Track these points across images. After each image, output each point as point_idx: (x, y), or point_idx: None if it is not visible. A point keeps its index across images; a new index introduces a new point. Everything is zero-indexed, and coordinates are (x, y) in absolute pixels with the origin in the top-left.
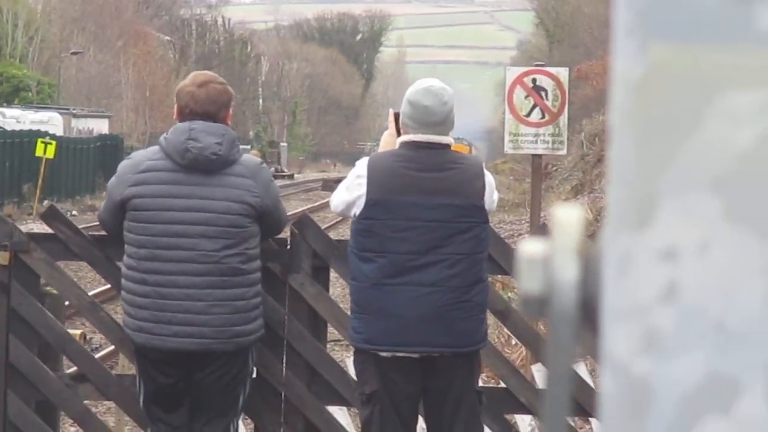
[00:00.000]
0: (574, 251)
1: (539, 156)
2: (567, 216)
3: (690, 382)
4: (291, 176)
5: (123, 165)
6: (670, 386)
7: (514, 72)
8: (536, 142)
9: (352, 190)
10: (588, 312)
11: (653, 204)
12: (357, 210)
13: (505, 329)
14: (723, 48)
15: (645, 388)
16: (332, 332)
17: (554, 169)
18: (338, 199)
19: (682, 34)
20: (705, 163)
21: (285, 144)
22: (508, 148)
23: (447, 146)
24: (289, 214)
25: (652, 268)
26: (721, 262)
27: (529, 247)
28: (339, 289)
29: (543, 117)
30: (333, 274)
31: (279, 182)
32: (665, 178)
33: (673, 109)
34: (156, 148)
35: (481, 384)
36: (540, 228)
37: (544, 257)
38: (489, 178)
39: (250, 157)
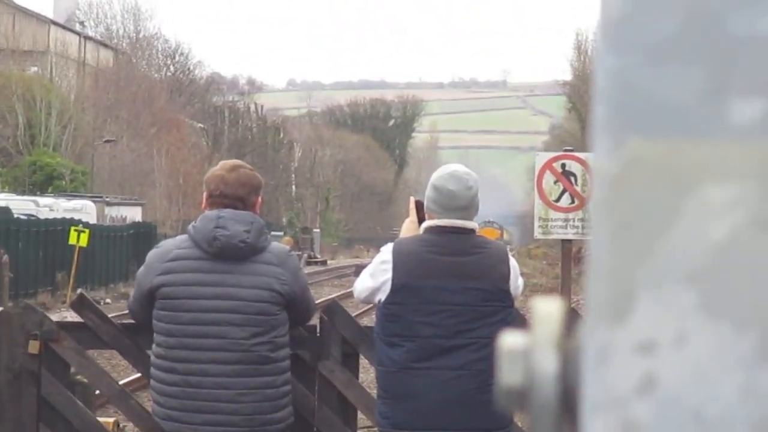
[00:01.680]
0: (554, 344)
1: (569, 241)
2: (547, 309)
3: None
4: (324, 262)
5: (152, 254)
6: None
7: (543, 157)
8: (566, 227)
9: (376, 276)
10: (568, 404)
11: (630, 297)
12: (382, 296)
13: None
14: (698, 142)
15: None
16: (362, 419)
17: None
18: (362, 285)
19: (657, 128)
20: (681, 256)
21: (318, 230)
22: (537, 233)
23: (472, 231)
24: (321, 300)
25: (630, 361)
26: (698, 353)
27: (509, 339)
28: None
29: (572, 202)
30: (362, 361)
31: (312, 268)
32: (642, 271)
33: (649, 203)
34: (185, 236)
35: None
36: (570, 313)
37: (524, 349)
38: (514, 263)
39: (278, 244)
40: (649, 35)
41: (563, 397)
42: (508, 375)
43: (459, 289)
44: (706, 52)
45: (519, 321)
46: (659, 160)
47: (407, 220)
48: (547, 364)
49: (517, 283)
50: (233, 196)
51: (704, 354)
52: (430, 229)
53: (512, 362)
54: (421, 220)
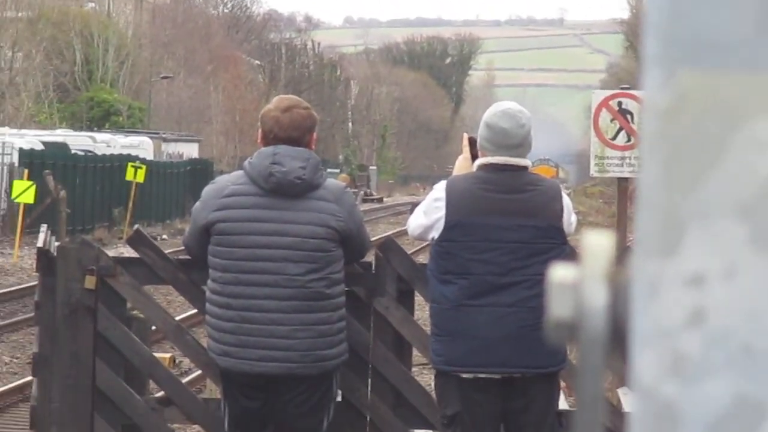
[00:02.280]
0: (603, 277)
1: (626, 179)
2: (597, 243)
3: (717, 406)
4: (380, 200)
5: (207, 190)
6: (698, 410)
7: (599, 95)
8: (622, 165)
9: (430, 213)
10: (617, 337)
11: (680, 230)
12: (436, 233)
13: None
14: (749, 75)
15: (672, 412)
16: (417, 356)
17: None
18: (416, 222)
19: (709, 62)
20: (731, 189)
21: (374, 167)
22: (594, 172)
23: (525, 168)
24: (377, 237)
25: (680, 294)
26: (747, 287)
27: (559, 273)
28: (424, 312)
29: (629, 140)
30: (418, 298)
31: (368, 206)
32: (692, 204)
33: (699, 136)
34: (240, 172)
35: (564, 406)
36: (625, 251)
37: (574, 283)
38: (567, 201)
39: (333, 181)
40: None
41: (613, 330)
42: (557, 308)
43: (512, 227)
44: None
45: (573, 258)
46: (710, 93)
47: (460, 157)
48: (597, 297)
49: (570, 219)
50: (287, 139)
51: (753, 288)
52: (483, 167)
53: (562, 295)
54: (474, 156)
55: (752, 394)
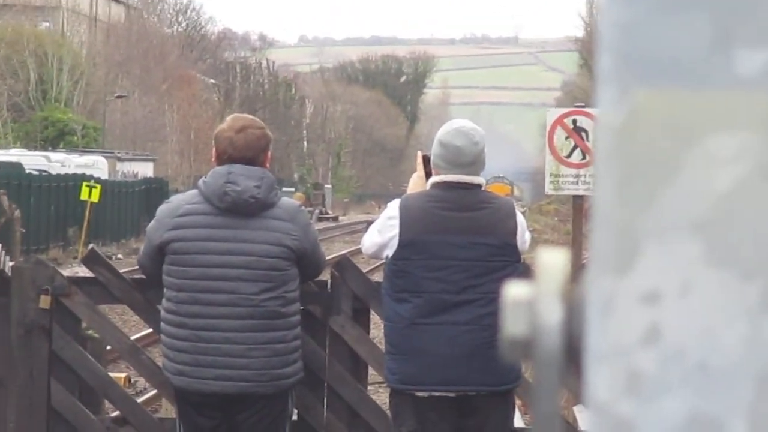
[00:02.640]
0: (558, 295)
1: (581, 197)
2: (551, 260)
3: (673, 423)
4: (335, 218)
5: (162, 209)
6: (653, 428)
7: (554, 113)
8: (577, 183)
9: (384, 232)
10: (572, 355)
11: (634, 247)
12: (390, 252)
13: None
14: (702, 92)
15: (628, 429)
16: (373, 374)
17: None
18: (370, 241)
19: (662, 79)
20: (685, 206)
21: (329, 186)
22: (548, 189)
23: (479, 186)
24: (332, 256)
25: (634, 311)
26: (702, 304)
27: (513, 290)
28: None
29: (584, 158)
30: (374, 317)
31: (323, 224)
32: (646, 221)
33: (653, 153)
34: (195, 192)
35: (520, 424)
36: (580, 269)
37: (528, 300)
38: (521, 218)
39: (288, 200)
40: None
41: (568, 347)
42: (512, 325)
43: (466, 245)
44: (710, 4)
45: (527, 275)
46: (663, 111)
47: (414, 175)
48: (552, 314)
49: (524, 237)
50: (241, 159)
51: (709, 304)
52: (437, 185)
53: (516, 313)
54: (428, 174)
55: (707, 411)
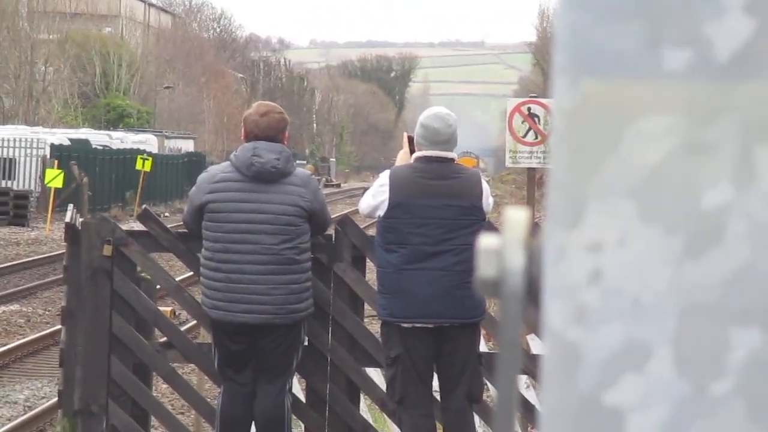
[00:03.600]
0: (521, 244)
1: (533, 169)
2: (516, 216)
3: (611, 347)
4: (338, 185)
5: (201, 177)
6: (596, 351)
7: (513, 102)
8: (531, 158)
9: (377, 196)
10: (532, 293)
11: (582, 207)
12: (381, 212)
13: None
14: (637, 82)
15: (576, 352)
16: (368, 309)
17: (548, 179)
18: (365, 203)
19: (605, 71)
20: (623, 174)
21: (334, 159)
22: (508, 163)
23: (452, 160)
24: (336, 215)
25: (581, 258)
26: (635, 252)
27: (486, 241)
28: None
29: (536, 138)
30: (368, 263)
31: (328, 190)
32: (591, 186)
33: (597, 131)
34: (227, 163)
35: (484, 349)
36: (533, 225)
37: (497, 249)
38: (485, 186)
39: (301, 170)
40: None
41: (528, 286)
42: (484, 269)
43: (441, 206)
44: (644, 11)
45: (490, 231)
46: (606, 97)
47: (401, 152)
48: (516, 260)
49: (488, 201)
50: (264, 137)
51: (641, 253)
52: (419, 159)
53: (488, 258)
54: (412, 151)
55: (639, 338)
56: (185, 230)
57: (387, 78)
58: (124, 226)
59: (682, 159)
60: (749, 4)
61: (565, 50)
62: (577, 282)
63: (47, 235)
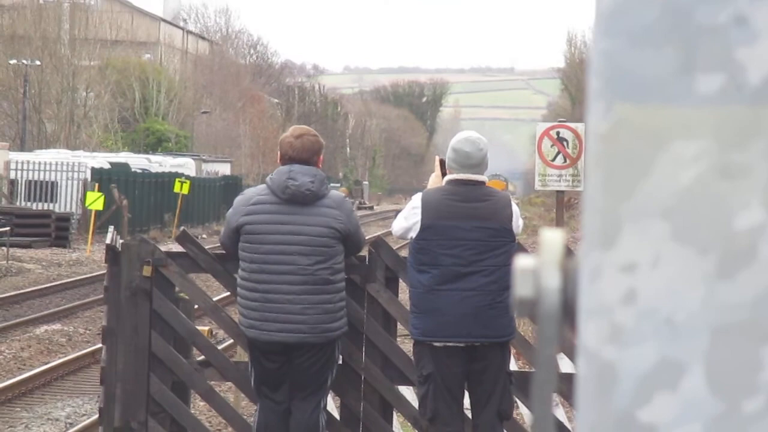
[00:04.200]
0: (557, 265)
1: (562, 192)
2: (552, 237)
3: (645, 365)
4: (371, 207)
5: (238, 199)
6: (631, 369)
7: (542, 127)
8: (560, 180)
9: (409, 218)
10: (568, 312)
11: (616, 228)
12: (414, 233)
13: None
14: (670, 108)
15: (612, 370)
16: (401, 329)
17: (575, 201)
18: (398, 225)
19: (639, 96)
20: (656, 196)
21: (367, 182)
22: (537, 186)
23: (482, 183)
24: (369, 236)
25: (616, 278)
26: (669, 272)
27: (523, 261)
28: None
29: (565, 161)
30: (401, 284)
31: (362, 212)
32: (626, 208)
33: (631, 155)
34: (263, 186)
35: (514, 367)
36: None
37: (534, 269)
38: (515, 208)
39: (335, 192)
40: (633, 24)
41: (564, 306)
42: (521, 288)
43: (472, 228)
44: (677, 38)
45: (520, 252)
46: (640, 121)
47: (433, 174)
48: (552, 280)
49: (518, 223)
50: (299, 159)
51: (674, 273)
52: (450, 182)
53: (525, 279)
54: (443, 174)
55: (672, 356)
56: (222, 251)
57: (419, 103)
58: (163, 248)
59: (714, 182)
60: None
61: (600, 76)
62: (611, 302)
63: (88, 257)
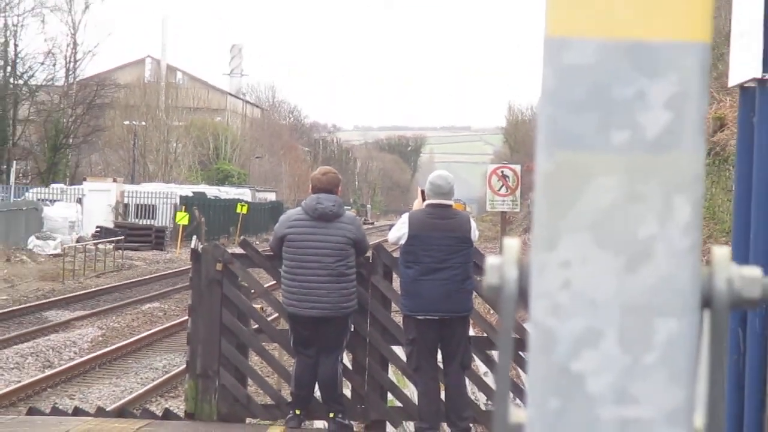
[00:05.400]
0: (515, 262)
1: (505, 212)
2: (511, 244)
3: (576, 332)
4: (372, 223)
5: (282, 217)
6: (565, 334)
7: (491, 167)
8: (503, 204)
9: (400, 230)
10: (522, 296)
11: (556, 237)
12: (403, 241)
13: (486, 304)
14: (594, 154)
15: (552, 335)
16: (394, 307)
17: (513, 219)
18: (393, 235)
19: (572, 146)
20: (584, 215)
21: (369, 206)
22: (488, 208)
23: (450, 206)
24: (372, 242)
25: (556, 272)
26: (593, 267)
27: (491, 259)
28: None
29: (507, 191)
30: (394, 276)
31: (366, 226)
32: (563, 223)
33: (567, 186)
34: (299, 208)
35: (471, 333)
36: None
37: (499, 265)
38: (473, 224)
39: (349, 212)
40: (568, 98)
41: (520, 291)
42: (490, 278)
43: (444, 237)
44: (598, 107)
45: (477, 254)
46: (573, 163)
47: (416, 200)
48: (511, 273)
49: (475, 233)
50: (324, 190)
51: (596, 268)
52: (428, 205)
53: (492, 271)
54: (423, 200)
55: (594, 325)
56: (270, 253)
57: (405, 151)
58: (230, 251)
59: (624, 205)
60: (666, 102)
61: (545, 132)
62: (553, 288)
63: (177, 256)
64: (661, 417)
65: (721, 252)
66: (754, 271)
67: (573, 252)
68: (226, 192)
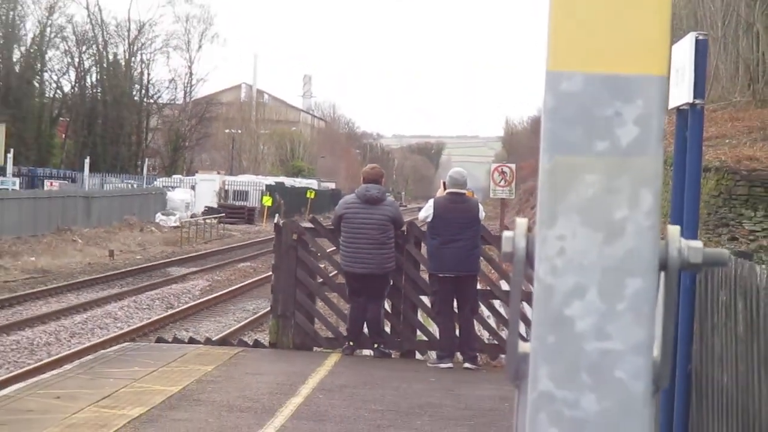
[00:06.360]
0: (524, 234)
1: (503, 198)
2: (520, 221)
3: (568, 286)
4: (405, 206)
5: (341, 201)
6: (561, 288)
7: (493, 166)
8: (502, 193)
9: (427, 210)
10: (529, 260)
11: (555, 217)
12: (429, 219)
13: (489, 265)
14: (582, 157)
15: (551, 289)
16: (422, 268)
17: (509, 204)
18: (422, 214)
19: (566, 151)
20: (576, 201)
21: (404, 192)
22: (490, 195)
23: (464, 194)
24: (406, 220)
25: (554, 243)
26: (582, 239)
27: (506, 233)
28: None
29: (505, 183)
30: (422, 245)
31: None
32: (560, 206)
33: (563, 179)
34: (353, 194)
35: (479, 287)
36: (505, 228)
37: (512, 236)
38: (481, 207)
39: (390, 197)
40: (563, 115)
41: (527, 256)
42: (505, 246)
43: (459, 216)
44: (585, 122)
45: (483, 230)
46: (566, 164)
47: (439, 189)
48: (521, 242)
49: (482, 214)
50: (372, 180)
51: (585, 241)
52: (448, 193)
53: (507, 241)
54: (444, 189)
55: (581, 282)
56: (332, 228)
57: (430, 153)
58: (302, 225)
59: (603, 195)
60: (635, 119)
61: (546, 140)
62: (551, 255)
63: (263, 229)
64: (628, 349)
65: (674, 229)
66: (697, 244)
67: (566, 229)
68: (299, 182)
